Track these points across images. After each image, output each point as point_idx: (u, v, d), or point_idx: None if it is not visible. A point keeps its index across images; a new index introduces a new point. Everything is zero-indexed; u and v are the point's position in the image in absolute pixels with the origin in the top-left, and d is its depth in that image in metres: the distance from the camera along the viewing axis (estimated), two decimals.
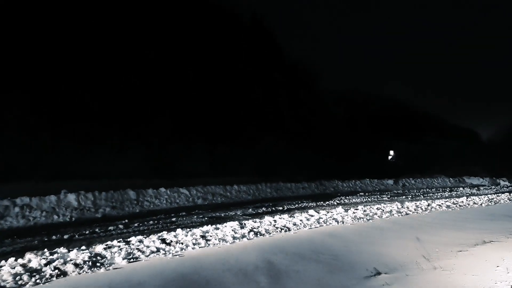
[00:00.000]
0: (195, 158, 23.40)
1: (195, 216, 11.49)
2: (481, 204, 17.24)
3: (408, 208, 14.07)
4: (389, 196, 19.88)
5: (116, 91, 20.80)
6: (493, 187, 31.03)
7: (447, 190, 25.74)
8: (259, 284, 5.34)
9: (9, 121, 16.58)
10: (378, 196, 19.41)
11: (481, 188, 29.37)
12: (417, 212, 13.56)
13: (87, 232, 8.83)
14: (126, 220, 10.42)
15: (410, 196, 19.90)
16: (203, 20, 26.96)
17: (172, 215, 11.60)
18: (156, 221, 10.40)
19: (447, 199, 17.80)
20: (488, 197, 20.20)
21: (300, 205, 15.07)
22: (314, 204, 15.04)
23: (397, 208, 13.84)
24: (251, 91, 28.23)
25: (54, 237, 8.26)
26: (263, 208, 13.64)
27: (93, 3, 20.99)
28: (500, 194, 21.98)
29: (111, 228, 9.39)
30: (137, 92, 21.82)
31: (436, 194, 22.33)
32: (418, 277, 5.66)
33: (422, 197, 19.63)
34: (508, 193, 22.78)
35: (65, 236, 8.28)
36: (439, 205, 15.77)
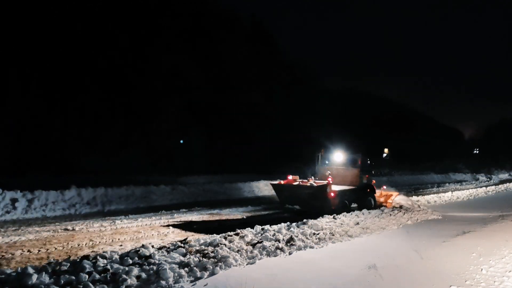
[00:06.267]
0: (195, 155, 23.96)
1: (195, 212, 11.73)
2: (462, 199, 18.22)
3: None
4: None
5: (119, 89, 21.31)
6: (473, 182, 32.03)
7: (435, 186, 26.54)
8: None
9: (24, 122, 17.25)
10: None
11: (464, 183, 30.35)
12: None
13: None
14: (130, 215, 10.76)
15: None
16: (204, 21, 27.44)
17: (174, 211, 11.81)
18: (159, 216, 10.80)
19: (435, 194, 18.58)
20: (469, 191, 21.08)
21: None
22: None
23: None
24: (250, 89, 28.67)
25: None
26: (263, 205, 13.70)
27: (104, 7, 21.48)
28: (478, 189, 22.93)
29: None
30: (138, 91, 22.32)
31: (425, 190, 23.15)
32: (406, 267, 6.14)
33: (413, 193, 20.23)
34: (485, 187, 23.87)
35: None
36: (428, 200, 16.63)
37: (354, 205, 12.44)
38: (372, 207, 12.23)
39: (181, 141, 25.31)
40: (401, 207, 12.68)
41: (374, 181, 13.41)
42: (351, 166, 12.85)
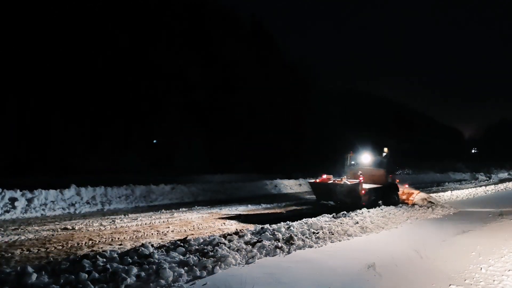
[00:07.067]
0: (195, 155, 23.94)
1: (195, 211, 11.76)
2: (462, 198, 18.23)
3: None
4: None
5: (119, 90, 21.28)
6: (473, 181, 31.98)
7: (435, 185, 26.52)
8: None
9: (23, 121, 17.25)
10: None
11: (463, 182, 30.35)
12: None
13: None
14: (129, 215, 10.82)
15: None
16: (204, 21, 27.40)
17: (173, 210, 11.85)
18: (158, 215, 10.85)
19: (434, 194, 18.44)
20: (468, 190, 21.05)
21: (299, 201, 15.47)
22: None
23: None
24: (250, 89, 28.67)
25: None
26: (262, 204, 13.69)
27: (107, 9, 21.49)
28: (477, 188, 22.92)
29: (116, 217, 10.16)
30: (139, 91, 22.29)
31: (425, 189, 23.06)
32: (406, 267, 6.12)
33: None
34: (484, 187, 23.87)
35: None
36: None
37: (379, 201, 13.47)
38: (396, 203, 13.40)
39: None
40: (427, 203, 14.15)
41: (398, 180, 14.63)
42: (377, 166, 14.14)
